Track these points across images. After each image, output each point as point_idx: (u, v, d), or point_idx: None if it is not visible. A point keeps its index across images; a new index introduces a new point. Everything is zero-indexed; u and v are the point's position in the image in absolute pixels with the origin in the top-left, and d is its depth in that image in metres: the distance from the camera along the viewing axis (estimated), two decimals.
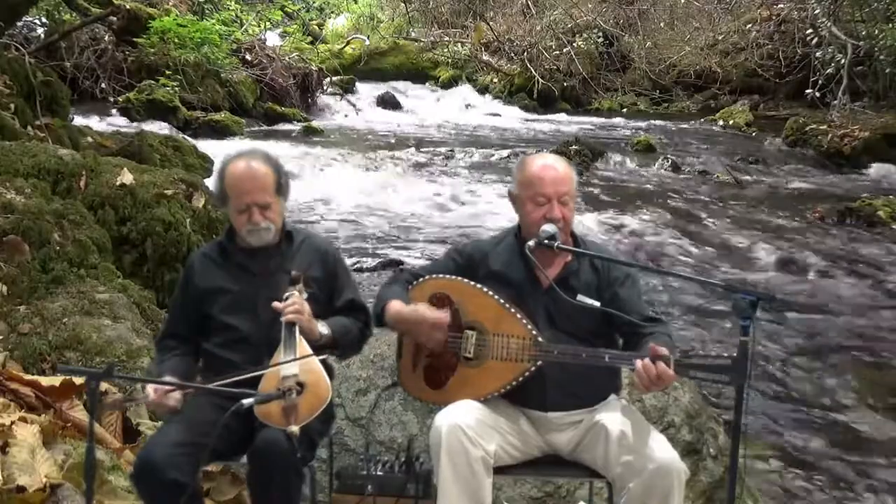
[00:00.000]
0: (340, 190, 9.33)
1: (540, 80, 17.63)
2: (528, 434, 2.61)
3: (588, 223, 8.08)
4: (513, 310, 2.55)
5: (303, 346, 2.49)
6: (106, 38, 12.39)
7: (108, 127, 9.67)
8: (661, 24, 18.66)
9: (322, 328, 2.60)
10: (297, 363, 2.42)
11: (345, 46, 20.05)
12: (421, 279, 2.71)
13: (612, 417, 2.54)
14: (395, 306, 2.62)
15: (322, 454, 2.93)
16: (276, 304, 2.51)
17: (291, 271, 2.58)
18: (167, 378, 2.55)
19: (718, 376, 2.27)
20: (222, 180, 2.66)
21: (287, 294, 2.53)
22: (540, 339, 2.51)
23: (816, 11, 13.68)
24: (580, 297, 2.51)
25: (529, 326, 2.53)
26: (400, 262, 6.70)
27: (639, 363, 2.34)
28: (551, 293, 2.54)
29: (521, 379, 2.53)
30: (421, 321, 2.58)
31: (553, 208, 2.56)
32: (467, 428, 2.41)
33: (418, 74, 19.70)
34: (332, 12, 23.03)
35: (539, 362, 2.51)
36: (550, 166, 2.61)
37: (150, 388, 2.54)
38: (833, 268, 7.28)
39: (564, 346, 2.50)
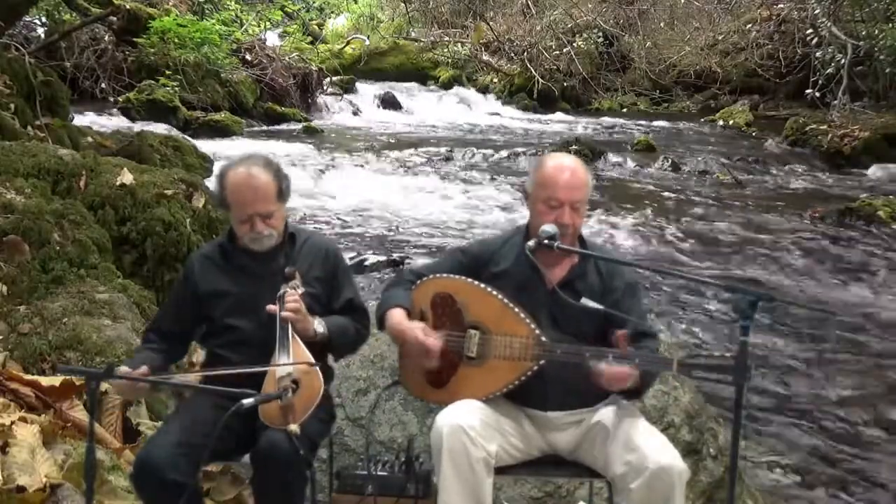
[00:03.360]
0: (340, 190, 9.33)
1: (540, 80, 17.65)
2: (530, 434, 2.60)
3: (588, 223, 8.08)
4: (516, 309, 2.54)
5: (297, 344, 2.49)
6: (106, 38, 12.41)
7: (109, 127, 9.66)
8: (661, 24, 18.69)
9: (318, 326, 2.59)
10: (290, 362, 2.42)
11: (345, 46, 20.07)
12: (425, 278, 2.70)
13: (613, 417, 2.54)
14: (395, 317, 2.61)
15: (322, 454, 2.92)
16: (270, 307, 2.51)
17: (286, 269, 2.58)
18: (139, 370, 2.45)
19: (721, 376, 2.27)
20: (223, 188, 2.63)
21: (282, 292, 2.53)
22: (543, 338, 2.51)
23: (816, 11, 13.69)
24: (584, 300, 2.49)
25: (532, 325, 2.52)
26: (400, 262, 6.69)
27: (603, 366, 2.39)
28: (555, 295, 2.54)
29: (523, 378, 2.52)
30: (414, 343, 2.57)
31: (564, 214, 2.54)
32: (469, 428, 2.40)
33: (418, 74, 19.72)
34: (332, 12, 23.06)
35: (542, 361, 2.50)
36: (568, 169, 2.57)
37: (124, 369, 2.47)
38: (833, 268, 7.28)
39: (567, 345, 2.49)
